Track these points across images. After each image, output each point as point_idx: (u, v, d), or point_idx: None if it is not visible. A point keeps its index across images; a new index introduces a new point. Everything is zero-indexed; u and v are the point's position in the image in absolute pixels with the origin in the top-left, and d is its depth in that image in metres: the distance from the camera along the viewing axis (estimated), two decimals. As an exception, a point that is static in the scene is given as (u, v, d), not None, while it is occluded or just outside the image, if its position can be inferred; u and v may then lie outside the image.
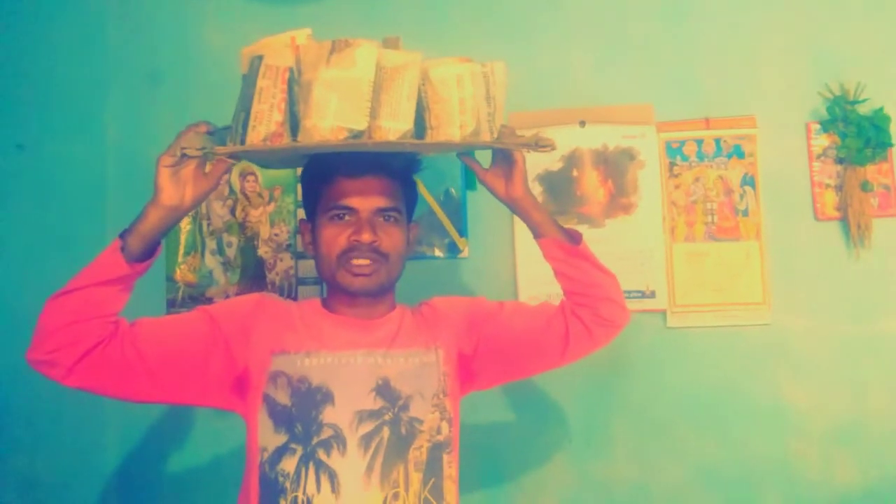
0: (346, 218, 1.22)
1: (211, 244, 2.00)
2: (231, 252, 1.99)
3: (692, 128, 1.94)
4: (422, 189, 1.93)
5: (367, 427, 1.18)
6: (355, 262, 1.21)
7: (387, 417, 1.19)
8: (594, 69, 1.97)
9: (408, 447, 1.20)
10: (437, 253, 1.95)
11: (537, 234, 1.32)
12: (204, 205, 1.99)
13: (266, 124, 1.08)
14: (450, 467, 1.24)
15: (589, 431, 1.90)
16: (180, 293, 1.98)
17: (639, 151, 1.94)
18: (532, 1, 2.00)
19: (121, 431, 1.96)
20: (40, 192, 2.02)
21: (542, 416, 1.91)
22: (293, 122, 1.10)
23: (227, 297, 1.95)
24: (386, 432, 1.19)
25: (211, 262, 1.99)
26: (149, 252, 1.14)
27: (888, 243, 1.87)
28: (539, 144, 1.21)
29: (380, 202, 1.22)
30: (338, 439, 1.17)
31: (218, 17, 2.03)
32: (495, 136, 1.20)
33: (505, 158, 1.28)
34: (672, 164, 1.94)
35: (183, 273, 1.99)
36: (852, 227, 1.86)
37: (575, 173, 1.95)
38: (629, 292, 1.89)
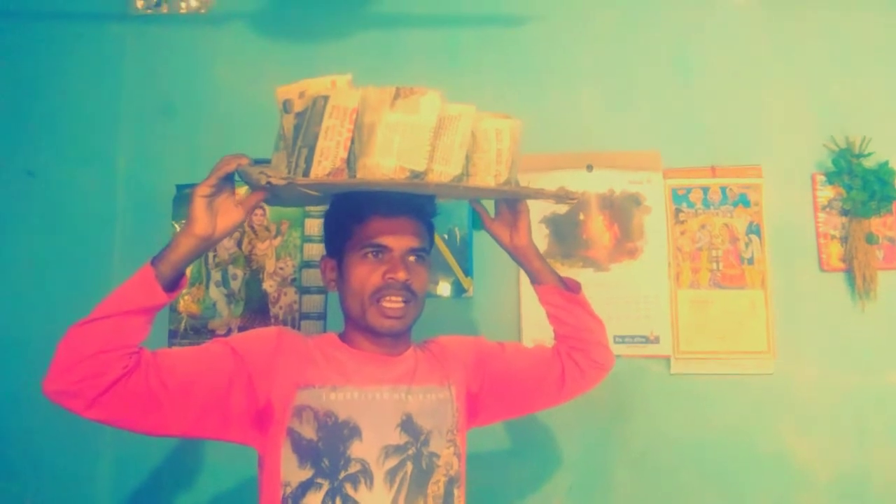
0: (380, 256, 1.24)
1: (216, 276, 2.00)
2: (236, 284, 1.99)
3: (698, 175, 1.95)
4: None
5: (393, 462, 1.19)
6: (389, 302, 1.23)
7: (410, 452, 1.21)
8: (602, 115, 2.00)
9: (427, 482, 1.21)
10: (442, 292, 1.95)
11: (536, 281, 1.40)
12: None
13: (332, 160, 1.13)
14: (459, 501, 1.28)
15: (590, 478, 1.88)
16: (183, 324, 1.97)
17: (645, 197, 1.96)
18: (542, 47, 2.03)
19: (114, 461, 1.94)
20: (49, 220, 2.03)
21: (544, 462, 1.89)
22: (348, 160, 1.17)
23: (231, 329, 1.95)
24: (409, 467, 1.20)
25: (215, 293, 1.99)
26: (176, 282, 1.13)
27: (893, 296, 1.87)
28: (568, 197, 1.31)
29: (413, 242, 1.25)
30: (365, 474, 1.17)
31: (229, 55, 2.08)
32: (514, 186, 1.29)
33: (511, 208, 1.35)
34: (678, 211, 1.95)
35: (186, 304, 1.98)
36: (857, 278, 1.86)
37: (581, 217, 1.96)
38: (633, 337, 1.89)
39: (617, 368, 1.88)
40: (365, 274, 1.23)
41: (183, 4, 2.10)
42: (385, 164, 1.13)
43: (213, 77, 2.06)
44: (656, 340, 1.90)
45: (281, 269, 1.98)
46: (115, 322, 1.06)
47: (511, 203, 1.35)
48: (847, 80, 1.96)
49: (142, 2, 2.10)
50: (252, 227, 2.00)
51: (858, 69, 1.96)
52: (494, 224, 1.37)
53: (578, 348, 1.40)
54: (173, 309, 1.98)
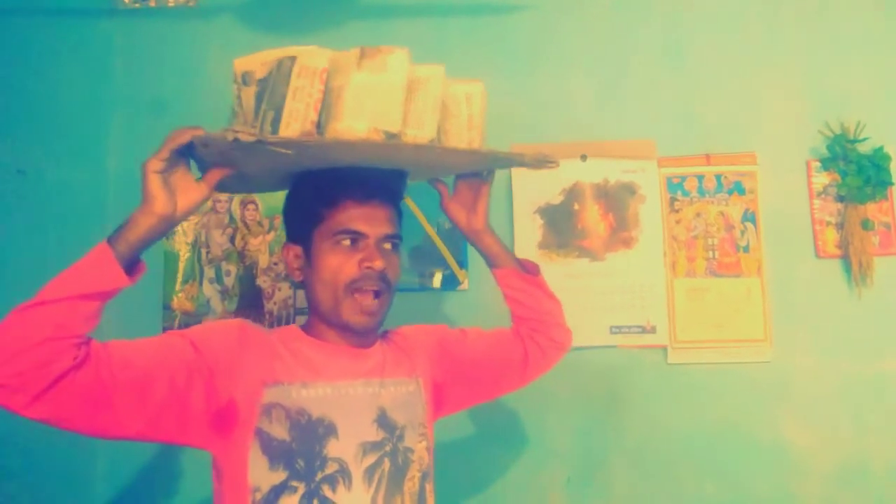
0: (355, 244, 1.17)
1: (209, 272, 1.99)
2: (229, 281, 1.98)
3: (693, 163, 1.94)
4: (422, 221, 1.92)
5: (371, 459, 1.14)
6: (365, 296, 1.16)
7: (387, 448, 1.17)
8: (596, 104, 1.99)
9: (404, 478, 1.17)
10: (437, 284, 1.94)
11: (494, 265, 1.38)
12: (203, 233, 1.99)
13: (301, 122, 1.06)
14: (431, 496, 1.23)
15: (587, 470, 1.87)
16: (177, 322, 1.96)
17: (640, 186, 1.95)
18: (535, 35, 2.02)
19: (110, 461, 1.93)
20: (40, 218, 2.02)
21: (541, 454, 1.88)
22: (318, 126, 1.11)
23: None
24: (387, 464, 1.16)
25: (209, 290, 1.98)
26: (133, 265, 1.02)
27: (889, 282, 1.87)
28: (547, 160, 1.27)
29: (388, 228, 1.20)
30: (343, 473, 1.11)
31: (220, 49, 2.05)
32: (491, 150, 1.25)
33: (472, 188, 1.33)
34: (673, 199, 1.94)
35: (180, 301, 1.97)
36: (853, 265, 1.85)
37: (576, 207, 1.95)
38: (629, 327, 1.89)
39: (613, 359, 1.90)
40: (339, 263, 1.16)
41: (171, -2, 2.08)
42: (357, 127, 1.08)
43: (203, 71, 2.04)
44: (653, 330, 1.90)
45: (275, 264, 1.97)
46: (67, 306, 0.94)
47: (472, 184, 1.33)
48: (840, 66, 1.94)
49: (129, -4, 2.08)
50: (245, 223, 1.99)
51: (852, 54, 1.95)
52: (451, 204, 1.34)
53: (538, 329, 1.39)
54: (167, 306, 1.96)
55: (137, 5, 2.07)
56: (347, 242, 1.17)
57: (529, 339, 1.39)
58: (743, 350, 1.87)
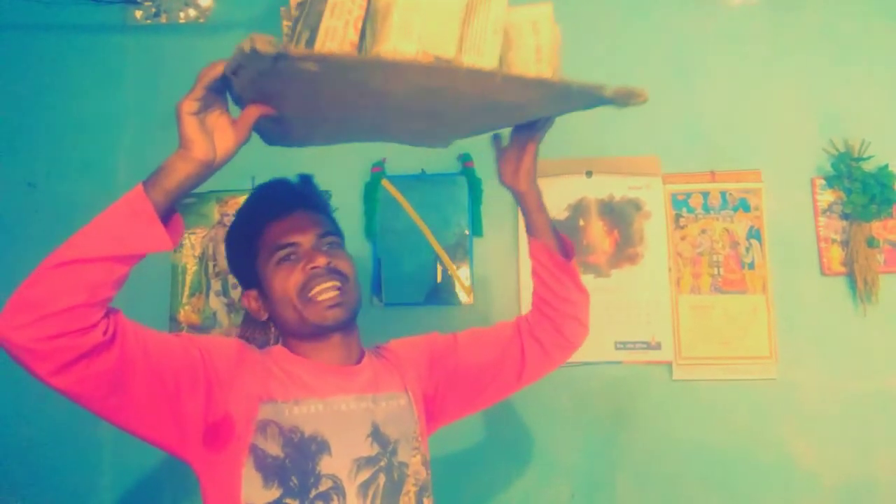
0: (292, 257, 1.16)
1: (216, 285, 2.00)
2: (236, 293, 1.99)
3: (698, 180, 1.95)
4: (428, 236, 1.94)
5: (365, 475, 1.13)
6: (321, 293, 1.14)
7: (382, 464, 1.15)
8: (602, 120, 1.98)
9: (399, 493, 1.16)
10: (443, 300, 1.95)
11: (530, 233, 1.31)
12: (211, 245, 2.00)
13: (339, 43, 0.91)
14: None
15: (592, 486, 1.87)
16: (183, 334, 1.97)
17: (645, 202, 1.95)
18: (541, 53, 2.03)
19: (114, 473, 1.93)
20: (50, 231, 2.00)
21: (546, 470, 1.88)
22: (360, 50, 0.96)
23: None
24: (382, 479, 1.14)
25: (215, 303, 1.99)
26: (169, 217, 0.95)
27: (894, 300, 1.86)
28: (633, 95, 1.11)
29: (317, 230, 1.19)
30: (337, 490, 1.10)
31: (232, 63, 2.08)
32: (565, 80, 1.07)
33: (519, 143, 1.25)
34: (678, 216, 1.94)
35: (187, 314, 1.98)
36: (859, 282, 1.85)
37: (581, 223, 1.96)
38: (634, 343, 1.89)
39: (619, 375, 1.90)
40: (284, 277, 1.14)
41: (182, 14, 2.11)
42: (405, 50, 0.92)
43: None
44: (658, 346, 1.90)
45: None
46: (103, 268, 0.87)
47: (521, 137, 1.23)
48: (845, 85, 1.96)
49: (141, 12, 2.11)
50: (252, 236, 2.00)
51: (857, 73, 1.96)
52: (501, 159, 1.27)
53: (550, 317, 1.30)
54: (173, 318, 1.97)
55: (149, 21, 2.10)
56: (285, 257, 1.16)
57: (529, 336, 1.32)
58: (748, 367, 1.87)
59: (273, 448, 1.08)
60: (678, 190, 1.95)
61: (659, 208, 1.95)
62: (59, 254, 0.88)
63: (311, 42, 0.91)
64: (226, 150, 0.97)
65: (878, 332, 1.86)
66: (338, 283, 1.14)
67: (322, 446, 1.11)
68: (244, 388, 1.09)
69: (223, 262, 1.99)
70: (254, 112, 0.98)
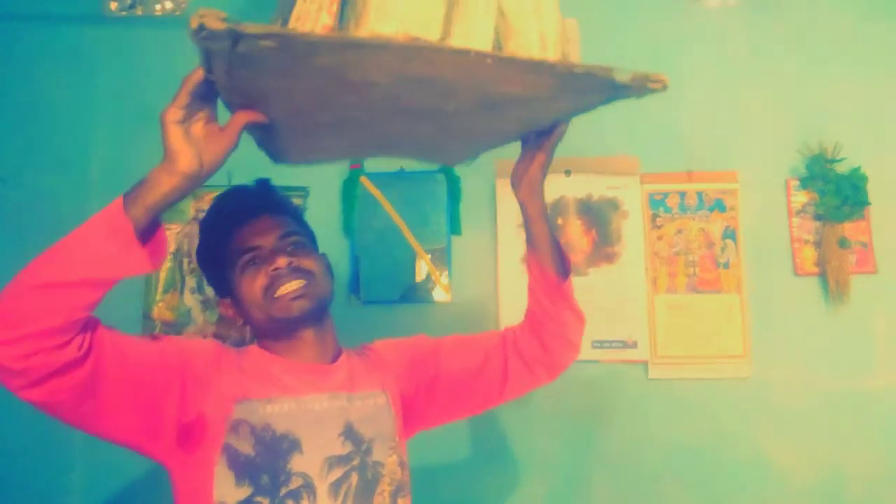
0: (256, 261, 1.16)
1: (191, 282, 1.97)
2: (211, 291, 1.96)
3: (675, 180, 1.97)
4: (406, 234, 1.93)
5: (337, 474, 1.13)
6: (283, 289, 1.13)
7: (355, 463, 1.15)
8: (581, 120, 1.98)
9: (373, 493, 1.15)
10: (422, 297, 1.94)
11: (528, 243, 1.27)
12: (185, 242, 1.97)
13: (311, 26, 0.84)
14: None
15: (568, 484, 1.87)
16: (157, 331, 1.94)
17: (623, 202, 1.97)
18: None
19: (86, 473, 1.90)
20: (20, 227, 1.98)
21: (521, 469, 1.88)
22: None
23: (205, 336, 1.92)
24: (354, 478, 1.14)
25: (190, 300, 1.97)
26: (151, 233, 0.92)
27: (865, 299, 1.90)
28: (649, 81, 1.00)
29: (278, 231, 1.18)
30: (308, 488, 1.09)
31: (208, 57, 2.05)
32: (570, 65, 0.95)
33: (529, 152, 1.21)
34: (655, 216, 1.96)
35: (160, 311, 1.96)
36: (831, 283, 1.88)
37: (559, 222, 1.97)
38: (611, 342, 1.90)
39: (595, 373, 1.91)
40: (250, 281, 1.15)
41: (158, 6, 2.07)
42: (384, 32, 0.83)
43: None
44: (634, 345, 1.91)
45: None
46: (82, 292, 0.87)
47: (532, 146, 1.19)
48: (821, 87, 1.98)
49: (115, 3, 2.07)
50: (228, 233, 1.98)
51: (831, 76, 1.99)
52: (517, 163, 1.22)
53: (538, 334, 1.28)
54: (147, 316, 1.95)
55: (124, 13, 2.07)
56: (250, 261, 1.17)
57: (514, 352, 1.30)
58: (722, 366, 1.89)
59: (245, 447, 1.08)
60: (655, 190, 1.97)
61: (636, 208, 1.96)
62: (38, 272, 0.88)
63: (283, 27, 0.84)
64: (213, 159, 0.93)
65: (849, 332, 1.89)
66: (303, 282, 1.14)
67: (293, 444, 1.11)
68: (220, 389, 1.10)
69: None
70: (241, 118, 0.96)
